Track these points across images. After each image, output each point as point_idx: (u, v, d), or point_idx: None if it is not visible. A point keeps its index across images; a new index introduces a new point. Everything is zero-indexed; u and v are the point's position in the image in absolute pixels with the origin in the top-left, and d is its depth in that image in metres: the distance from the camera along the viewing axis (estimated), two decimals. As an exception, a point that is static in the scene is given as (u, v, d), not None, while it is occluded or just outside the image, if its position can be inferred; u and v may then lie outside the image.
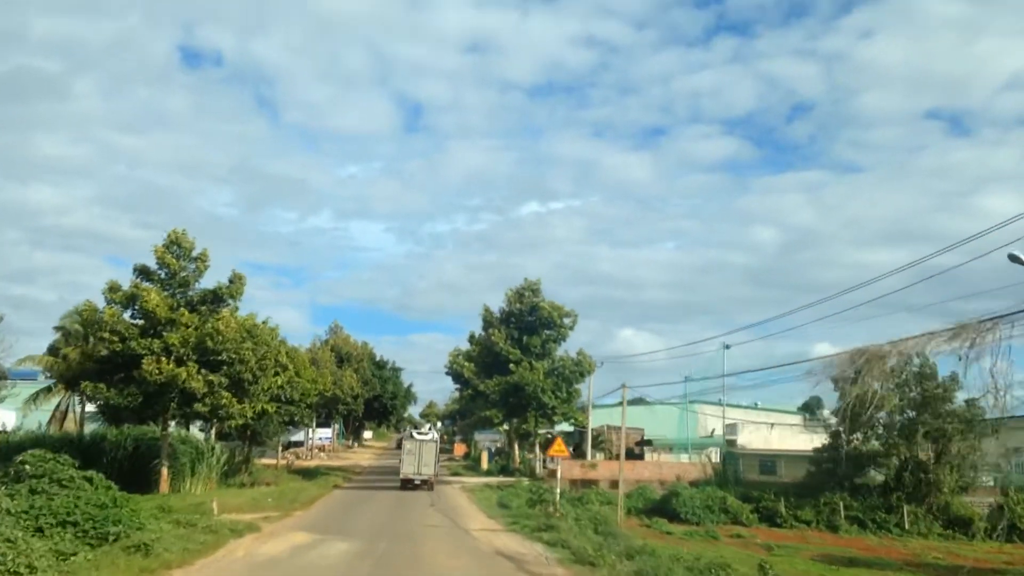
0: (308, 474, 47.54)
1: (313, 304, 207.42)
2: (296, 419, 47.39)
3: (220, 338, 29.07)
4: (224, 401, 29.06)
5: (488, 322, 45.63)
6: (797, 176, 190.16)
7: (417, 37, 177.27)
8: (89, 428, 41.68)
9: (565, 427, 67.02)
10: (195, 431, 43.13)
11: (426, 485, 37.89)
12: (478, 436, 78.46)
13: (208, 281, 31.63)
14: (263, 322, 33.07)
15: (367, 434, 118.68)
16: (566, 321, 44.77)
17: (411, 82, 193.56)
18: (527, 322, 44.25)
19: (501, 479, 48.16)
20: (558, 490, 29.91)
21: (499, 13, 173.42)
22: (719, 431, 69.01)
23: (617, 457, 61.35)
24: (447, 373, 62.67)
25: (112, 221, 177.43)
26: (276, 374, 39.17)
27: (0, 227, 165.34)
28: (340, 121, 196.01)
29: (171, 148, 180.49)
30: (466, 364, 58.59)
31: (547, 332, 44.68)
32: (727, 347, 46.78)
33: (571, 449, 57.15)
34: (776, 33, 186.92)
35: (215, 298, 31.05)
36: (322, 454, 75.54)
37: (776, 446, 63.14)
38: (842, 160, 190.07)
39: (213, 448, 35.60)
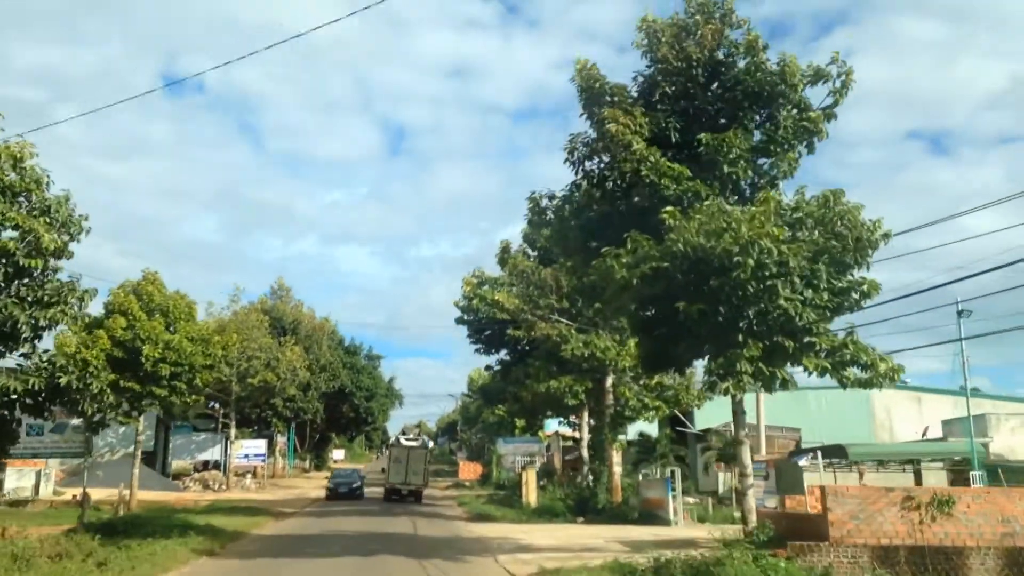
0: (128, 531, 19.09)
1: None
2: (85, 402, 18.86)
3: None
4: None
5: (593, 96, 15.80)
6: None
7: (400, 63, 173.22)
8: None
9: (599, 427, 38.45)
10: None
11: (413, 497, 35.54)
12: (503, 448, 48.47)
13: None
14: None
15: (337, 453, 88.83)
16: (820, 91, 14.98)
17: (394, 107, 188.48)
18: (714, 93, 14.71)
19: (606, 529, 19.67)
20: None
21: (482, 38, 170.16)
22: (935, 430, 40.78)
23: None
24: (460, 319, 33.79)
25: (94, 248, 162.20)
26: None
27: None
28: (324, 147, 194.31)
29: (154, 175, 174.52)
30: (501, 295, 29.79)
31: (770, 125, 15.33)
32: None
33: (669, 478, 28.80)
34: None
35: None
36: (249, 481, 46.36)
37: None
38: (826, 180, 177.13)
39: None
